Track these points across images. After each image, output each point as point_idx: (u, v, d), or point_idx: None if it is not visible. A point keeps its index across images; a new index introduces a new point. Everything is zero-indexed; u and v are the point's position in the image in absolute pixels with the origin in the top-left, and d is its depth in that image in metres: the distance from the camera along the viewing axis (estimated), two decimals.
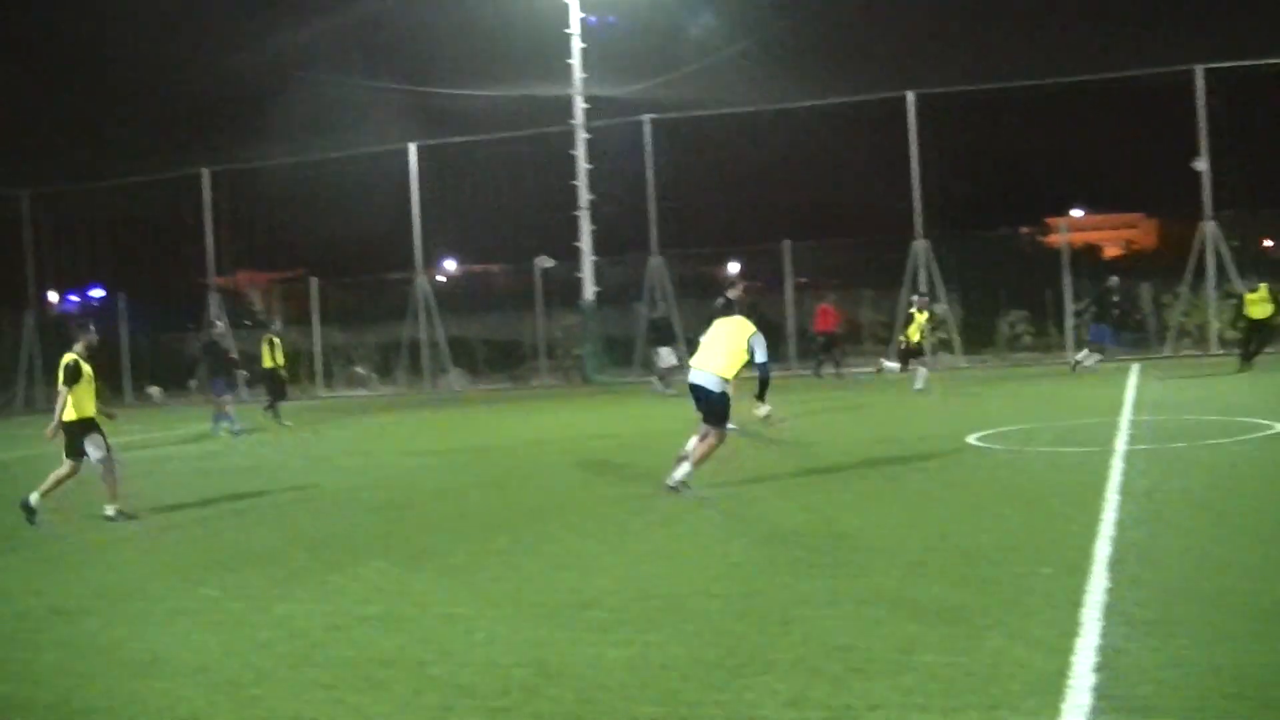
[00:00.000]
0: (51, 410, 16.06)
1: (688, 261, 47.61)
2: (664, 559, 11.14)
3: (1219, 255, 39.75)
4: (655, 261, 45.09)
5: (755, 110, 45.83)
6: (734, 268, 58.41)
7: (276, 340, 31.68)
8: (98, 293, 57.46)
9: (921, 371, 30.82)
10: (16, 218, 52.13)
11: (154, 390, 43.86)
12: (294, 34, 52.48)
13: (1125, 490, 13.32)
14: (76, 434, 15.69)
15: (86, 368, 15.82)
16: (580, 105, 45.53)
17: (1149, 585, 9.06)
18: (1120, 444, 17.39)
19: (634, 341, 45.84)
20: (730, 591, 9.69)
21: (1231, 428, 18.68)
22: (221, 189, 49.68)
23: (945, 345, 42.97)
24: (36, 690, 8.12)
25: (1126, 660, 7.28)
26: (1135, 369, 32.23)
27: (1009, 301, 44.20)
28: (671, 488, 15.02)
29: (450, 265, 58.33)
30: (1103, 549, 10.32)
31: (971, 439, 19.08)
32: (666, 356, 35.34)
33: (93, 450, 15.66)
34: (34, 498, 15.65)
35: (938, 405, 26.55)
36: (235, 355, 31.98)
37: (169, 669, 8.39)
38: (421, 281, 47.88)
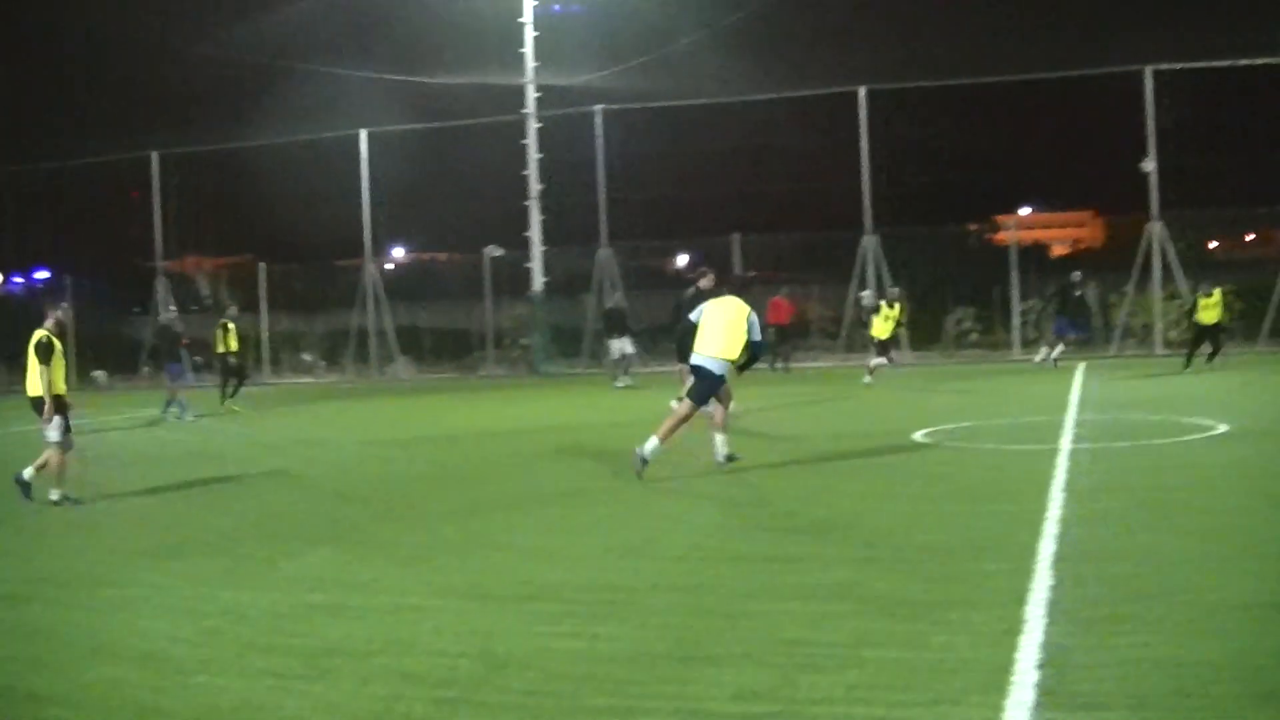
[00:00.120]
0: (11, 391, 16.02)
1: (637, 253, 47.69)
2: (612, 551, 11.17)
3: (1165, 256, 40.03)
4: (604, 253, 45.09)
5: (707, 102, 45.92)
6: (682, 260, 58.52)
7: (231, 326, 31.55)
8: (43, 274, 57.07)
9: (877, 361, 31.05)
10: None
11: (99, 374, 43.66)
12: (246, 18, 52.03)
13: (1070, 488, 13.42)
14: (43, 409, 15.63)
15: (57, 344, 15.79)
16: (532, 94, 45.48)
17: (1093, 582, 9.14)
18: (1065, 442, 17.51)
19: (582, 333, 45.86)
20: (678, 584, 9.73)
21: (1175, 428, 18.84)
22: (170, 172, 49.36)
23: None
24: None
25: (1070, 656, 7.35)
26: (1081, 368, 32.43)
27: (956, 298, 44.40)
28: (721, 462, 16.11)
29: (399, 253, 58.19)
30: (1047, 546, 10.41)
31: (918, 435, 19.18)
32: (620, 347, 35.29)
33: (51, 430, 15.59)
34: (26, 473, 15.72)
35: (884, 401, 26.64)
36: (188, 340, 31.78)
37: (115, 655, 8.35)
38: (370, 269, 47.73)
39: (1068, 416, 21.23)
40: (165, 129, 49.65)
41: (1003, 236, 49.63)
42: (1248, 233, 52.93)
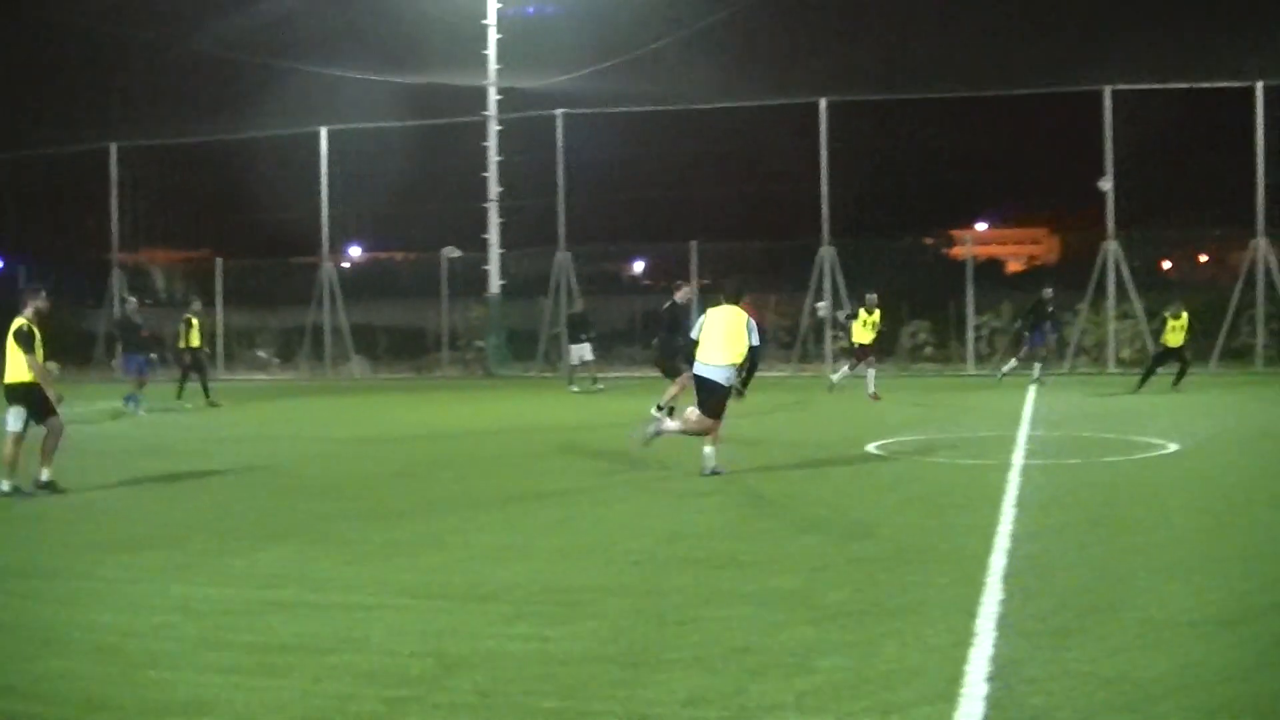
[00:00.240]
0: None
1: (594, 258, 47.72)
2: (566, 554, 11.20)
3: (1119, 274, 40.26)
4: (562, 256, 45.08)
5: (668, 109, 45.91)
6: (639, 265, 58.58)
7: (195, 321, 31.43)
8: None
9: (844, 370, 31.07)
10: None
11: (51, 366, 43.12)
12: (210, 11, 51.77)
13: (1021, 504, 13.52)
14: (20, 396, 15.69)
15: (37, 332, 15.84)
16: (494, 97, 45.47)
17: (1042, 597, 9.22)
18: (1017, 458, 17.63)
19: (538, 335, 45.84)
20: (631, 589, 9.77)
21: (1126, 446, 18.99)
22: (129, 165, 49.06)
23: (846, 353, 43.22)
24: None
25: (1019, 670, 7.41)
26: (1033, 384, 32.57)
27: (912, 311, 44.54)
28: (711, 471, 16.18)
29: (355, 252, 58.03)
30: (998, 561, 10.49)
31: (871, 447, 19.27)
32: (580, 353, 35.29)
33: (12, 419, 15.58)
34: (44, 474, 15.74)
35: (838, 412, 26.72)
36: (147, 331, 31.62)
37: (67, 648, 8.34)
38: (327, 267, 47.58)
39: (1020, 432, 21.36)
40: (124, 121, 49.24)
41: (958, 251, 49.81)
42: (1201, 253, 53.31)
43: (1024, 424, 22.87)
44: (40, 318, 16.03)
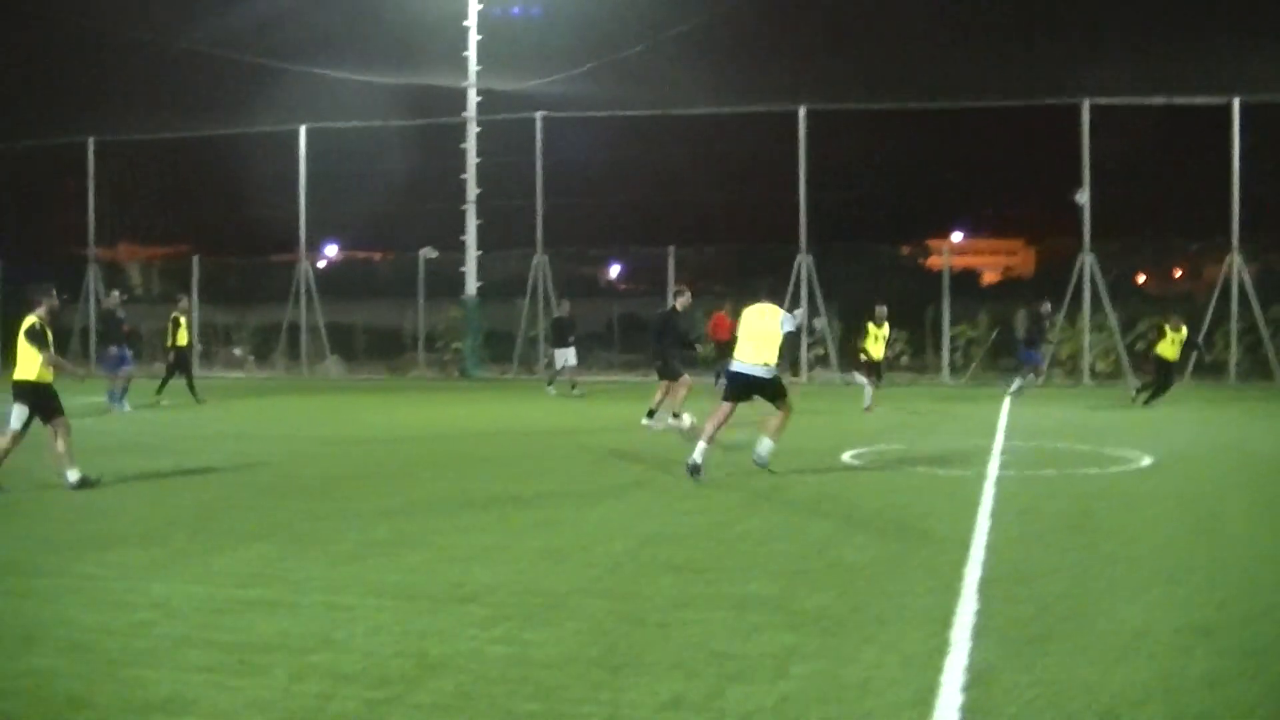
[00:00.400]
0: None
1: (572, 261, 47.74)
2: (545, 557, 11.21)
3: (1095, 287, 40.41)
4: (540, 259, 45.08)
5: (647, 113, 45.96)
6: (615, 269, 58.58)
7: (183, 320, 31.39)
8: None
9: (867, 389, 30.89)
10: None
11: None
12: (192, 8, 51.75)
13: (997, 514, 13.58)
14: (27, 394, 15.74)
15: (49, 332, 15.97)
16: (473, 98, 45.46)
17: (1019, 606, 9.27)
18: (993, 468, 17.70)
19: (514, 338, 45.83)
20: (611, 592, 9.81)
21: (1101, 458, 19.08)
22: (107, 160, 48.92)
23: (822, 361, 43.33)
24: None
25: (995, 679, 7.46)
26: (1009, 395, 32.69)
27: (890, 320, 44.55)
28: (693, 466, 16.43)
29: (332, 251, 57.95)
30: (974, 570, 10.55)
31: (847, 456, 19.33)
32: (564, 357, 35.25)
33: (15, 417, 15.65)
34: (72, 475, 15.82)
35: (814, 422, 26.73)
36: (129, 327, 31.57)
37: (46, 646, 8.32)
38: (304, 265, 47.51)
39: (995, 443, 21.44)
40: (102, 116, 49.11)
41: (935, 261, 49.91)
42: (1175, 268, 53.54)
43: (999, 435, 22.95)
44: (53, 316, 16.15)
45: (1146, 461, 18.71)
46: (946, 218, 56.49)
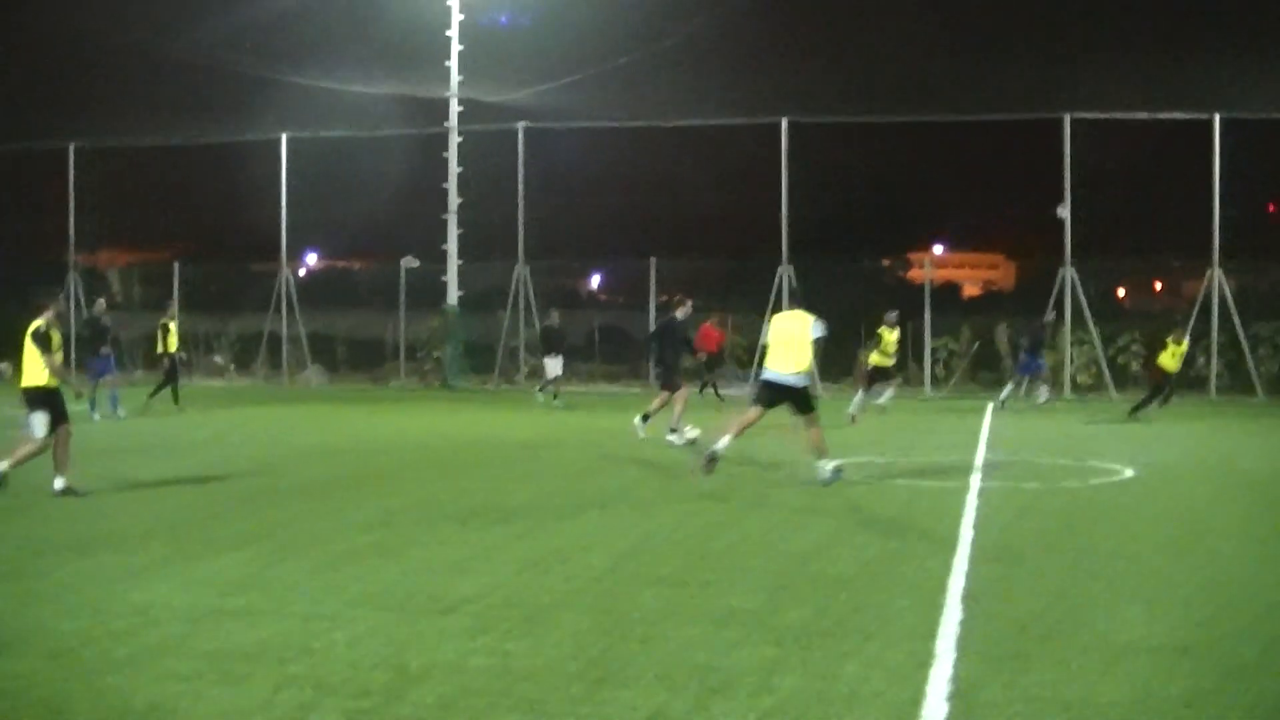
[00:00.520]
0: None
1: (553, 272, 47.68)
2: (526, 568, 11.16)
3: (1076, 300, 40.47)
4: (521, 269, 45.01)
5: (630, 125, 45.98)
6: (595, 280, 58.57)
7: (172, 326, 31.34)
8: None
9: (889, 392, 30.64)
10: None
11: (4, 366, 42.80)
12: (175, 15, 51.63)
13: (980, 527, 13.57)
14: (40, 399, 15.74)
15: (56, 335, 15.98)
16: (455, 108, 45.40)
17: (1002, 620, 9.26)
18: (975, 481, 17.69)
19: (495, 348, 45.77)
20: (592, 605, 9.77)
21: (1083, 471, 19.09)
22: (87, 166, 48.73)
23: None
24: None
25: (979, 692, 7.45)
26: (990, 408, 32.69)
27: (869, 332, 44.58)
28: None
29: (313, 259, 57.84)
30: (957, 583, 10.53)
31: (829, 467, 19.27)
32: (553, 367, 35.21)
33: (38, 425, 15.64)
34: (59, 483, 15.72)
35: (796, 434, 26.69)
36: (113, 335, 31.49)
37: (23, 652, 8.29)
38: (285, 274, 47.39)
39: (977, 456, 21.43)
40: (83, 122, 48.93)
41: (917, 274, 50.00)
42: (1156, 280, 53.72)
43: (981, 447, 22.94)
44: (60, 322, 16.17)
45: (1128, 474, 18.73)
46: (928, 231, 56.66)
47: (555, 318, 36.51)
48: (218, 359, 48.98)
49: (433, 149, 45.70)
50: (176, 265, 48.31)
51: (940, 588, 10.29)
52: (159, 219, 52.71)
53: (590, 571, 11.02)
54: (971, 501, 15.56)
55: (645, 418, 23.61)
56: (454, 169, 45.14)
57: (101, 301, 32.72)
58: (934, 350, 42.97)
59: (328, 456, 21.50)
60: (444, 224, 45.19)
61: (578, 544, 12.49)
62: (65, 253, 48.84)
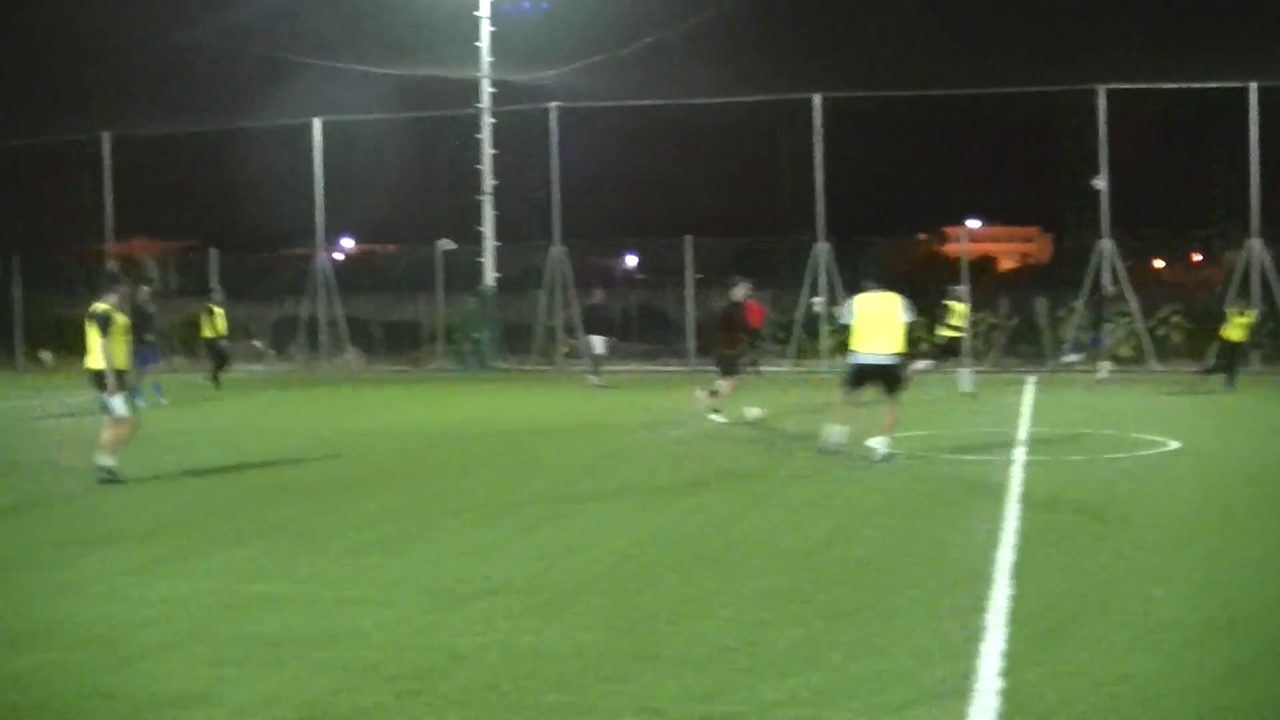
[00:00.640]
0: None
1: (588, 253, 47.59)
2: (554, 551, 11.02)
3: (1114, 273, 40.23)
4: (557, 250, 44.95)
5: (662, 103, 45.82)
6: (631, 260, 58.45)
7: (217, 309, 31.43)
8: None
9: (965, 374, 30.38)
10: None
11: (45, 355, 43.22)
12: (205, 3, 51.81)
13: (1026, 500, 13.44)
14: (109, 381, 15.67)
15: (120, 318, 15.86)
16: (487, 89, 45.32)
17: (1052, 594, 9.13)
18: (1019, 455, 17.56)
19: (533, 329, 45.73)
20: (621, 586, 9.67)
21: (1127, 443, 18.94)
22: (122, 155, 48.87)
23: (843, 348, 43.10)
24: None
25: (1032, 667, 7.32)
26: (1031, 381, 32.53)
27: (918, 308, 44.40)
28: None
29: (348, 243, 57.87)
30: (1005, 557, 10.40)
31: (871, 443, 19.16)
32: (598, 345, 35.13)
33: (117, 405, 15.62)
34: (105, 460, 15.64)
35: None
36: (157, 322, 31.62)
37: (55, 641, 8.22)
38: (322, 258, 47.44)
39: (1020, 429, 21.30)
40: (117, 111, 49.16)
41: (952, 248, 49.78)
42: (1194, 253, 53.35)
43: (1024, 421, 22.82)
44: (125, 305, 16.20)
45: (1173, 446, 18.57)
46: (963, 205, 56.44)
47: (599, 296, 36.40)
48: (257, 344, 49.05)
49: (466, 131, 45.64)
50: (214, 252, 48.40)
51: (988, 562, 10.14)
52: (194, 206, 52.79)
53: (613, 555, 10.84)
54: (1016, 475, 15.42)
55: (716, 411, 23.17)
56: (488, 151, 45.08)
57: (145, 288, 32.76)
58: (973, 324, 42.76)
59: (361, 441, 21.35)
60: (476, 206, 45.14)
61: (602, 527, 12.31)
62: (100, 242, 48.99)
